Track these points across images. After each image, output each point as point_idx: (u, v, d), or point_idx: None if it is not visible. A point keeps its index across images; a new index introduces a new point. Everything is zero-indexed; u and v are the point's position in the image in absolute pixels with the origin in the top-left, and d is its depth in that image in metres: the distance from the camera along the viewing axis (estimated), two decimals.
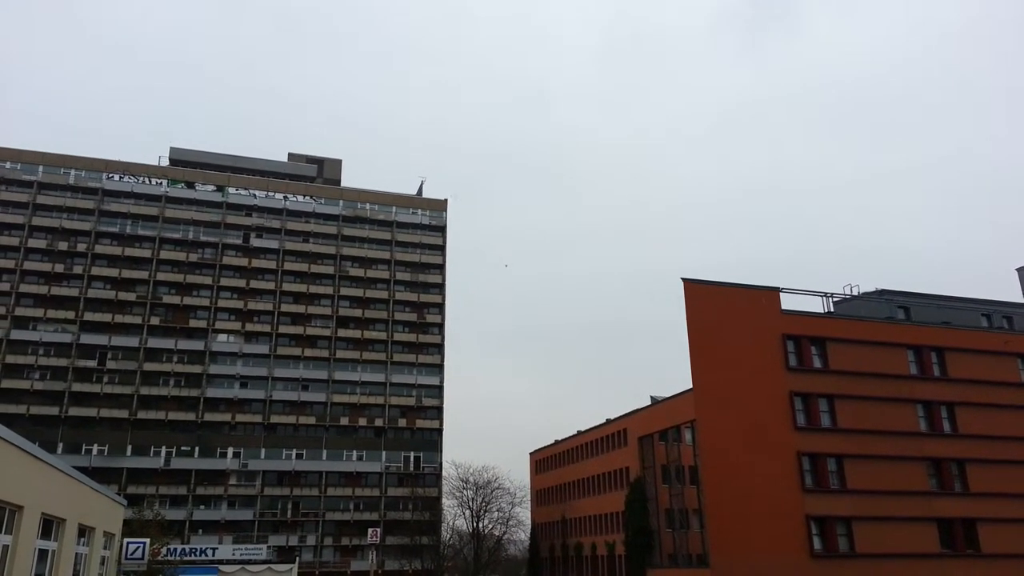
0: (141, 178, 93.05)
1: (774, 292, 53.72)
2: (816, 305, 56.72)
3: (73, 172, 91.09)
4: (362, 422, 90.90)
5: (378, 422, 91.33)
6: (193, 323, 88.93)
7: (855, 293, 60.45)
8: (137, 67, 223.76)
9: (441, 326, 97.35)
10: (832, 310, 57.24)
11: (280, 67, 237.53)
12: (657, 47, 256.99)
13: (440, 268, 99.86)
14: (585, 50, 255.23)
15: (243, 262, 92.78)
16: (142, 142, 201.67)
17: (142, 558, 30.60)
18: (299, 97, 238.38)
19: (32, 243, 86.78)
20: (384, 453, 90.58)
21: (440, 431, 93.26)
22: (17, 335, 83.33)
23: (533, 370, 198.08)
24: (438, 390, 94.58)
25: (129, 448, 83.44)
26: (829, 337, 53.69)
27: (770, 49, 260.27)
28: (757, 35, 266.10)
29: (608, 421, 76.84)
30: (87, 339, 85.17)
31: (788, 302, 54.28)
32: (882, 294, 61.48)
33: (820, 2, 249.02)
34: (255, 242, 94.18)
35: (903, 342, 55.40)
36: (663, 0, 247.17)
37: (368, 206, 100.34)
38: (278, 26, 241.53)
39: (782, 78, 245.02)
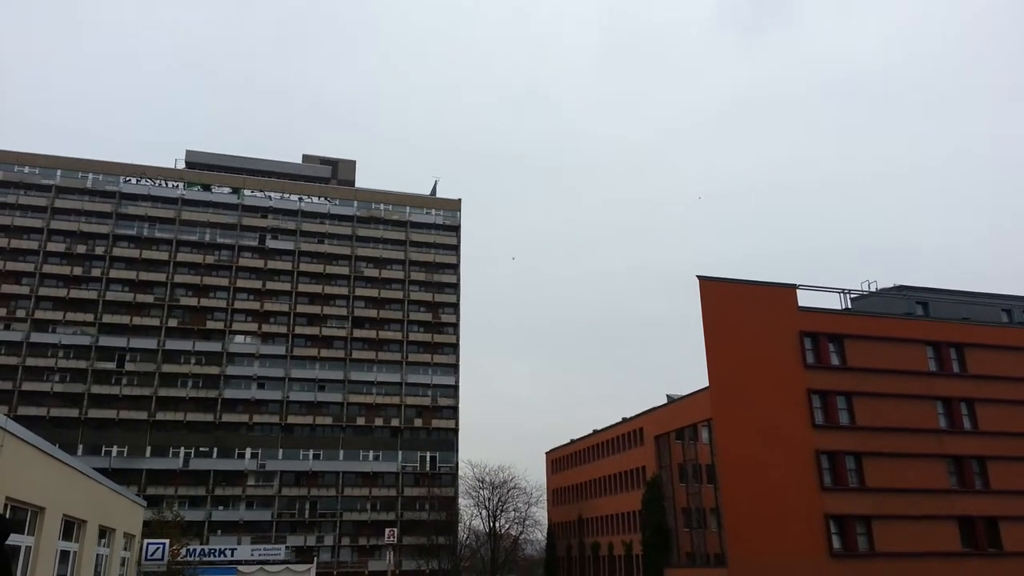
0: (158, 181, 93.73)
1: (791, 289, 53.35)
2: (833, 302, 56.28)
3: (91, 176, 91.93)
4: (378, 422, 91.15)
5: (394, 422, 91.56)
6: (210, 325, 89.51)
7: (873, 289, 59.95)
8: (152, 72, 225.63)
9: (456, 326, 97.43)
10: (850, 307, 56.77)
11: (292, 71, 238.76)
12: (657, 45, 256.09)
13: (454, 268, 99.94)
14: (586, 49, 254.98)
15: (259, 263, 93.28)
16: (158, 145, 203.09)
17: (162, 559, 30.89)
18: (312, 100, 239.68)
19: (51, 247, 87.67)
20: (400, 453, 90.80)
21: (456, 431, 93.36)
22: (37, 338, 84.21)
23: (548, 368, 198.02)
24: (453, 390, 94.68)
25: (148, 449, 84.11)
26: (847, 334, 53.23)
27: (770, 47, 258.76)
28: (757, 33, 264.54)
29: (624, 420, 76.63)
30: (106, 341, 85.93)
31: (805, 299, 53.90)
32: (900, 290, 60.91)
33: (819, 0, 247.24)
34: (271, 244, 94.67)
35: (922, 338, 54.82)
36: None
37: (382, 207, 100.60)
38: (288, 30, 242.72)
39: (782, 76, 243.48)
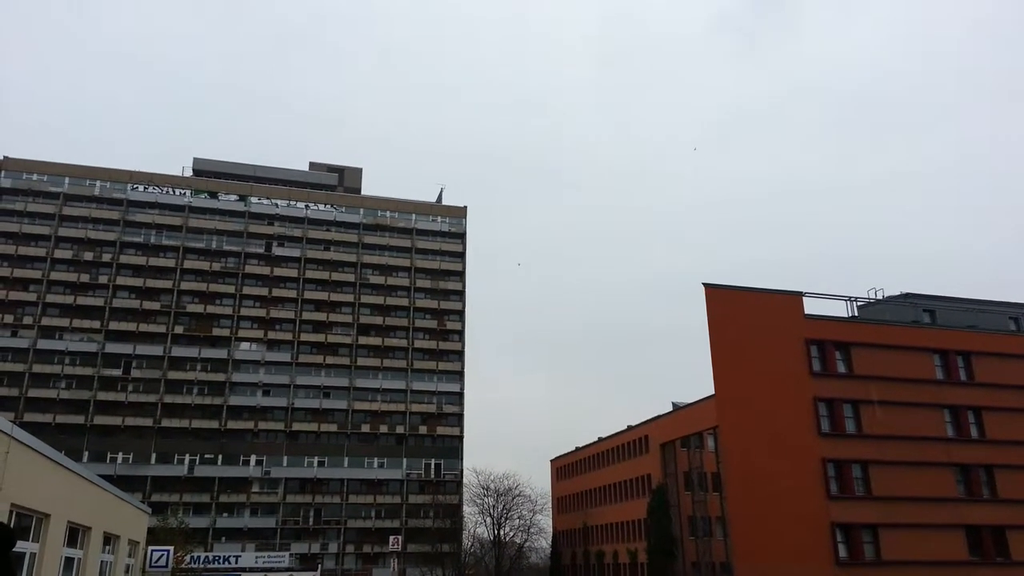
0: (165, 189, 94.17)
1: (797, 296, 53.22)
2: (839, 309, 56.08)
3: (98, 183, 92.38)
4: (383, 429, 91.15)
5: (399, 429, 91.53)
6: (216, 331, 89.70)
7: (879, 297, 59.78)
8: (159, 80, 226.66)
9: (461, 333, 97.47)
10: (856, 314, 56.61)
11: (298, 79, 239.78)
12: (657, 51, 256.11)
13: (460, 275, 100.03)
14: (586, 54, 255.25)
15: (265, 271, 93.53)
16: (165, 153, 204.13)
17: (166, 566, 30.85)
18: (318, 108, 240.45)
19: (58, 254, 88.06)
20: (405, 460, 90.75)
21: (461, 438, 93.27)
22: (44, 345, 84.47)
23: (553, 375, 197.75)
24: (458, 397, 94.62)
25: (153, 456, 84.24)
26: (853, 342, 53.04)
27: (770, 52, 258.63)
28: (756, 38, 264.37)
29: (629, 428, 76.53)
30: (112, 348, 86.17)
31: (811, 307, 53.77)
32: (907, 298, 60.70)
33: (819, 4, 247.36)
34: (277, 251, 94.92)
35: (929, 346, 54.60)
36: (662, 3, 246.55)
37: (388, 214, 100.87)
38: (293, 38, 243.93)
39: (783, 81, 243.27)
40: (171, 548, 33.06)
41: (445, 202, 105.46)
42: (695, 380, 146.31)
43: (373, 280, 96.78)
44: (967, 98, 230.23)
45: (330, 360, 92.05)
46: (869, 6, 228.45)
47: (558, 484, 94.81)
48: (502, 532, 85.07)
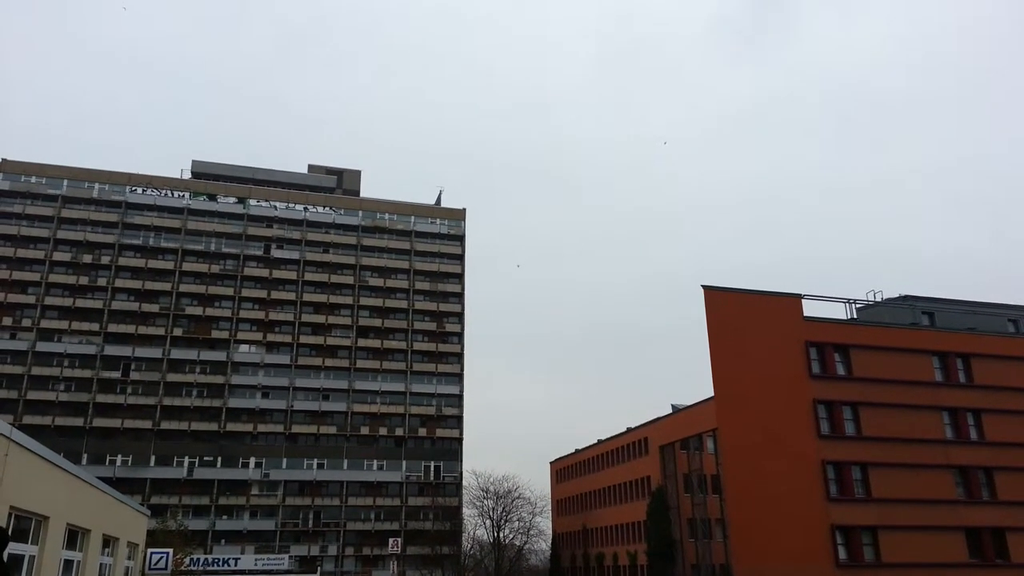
0: (164, 191, 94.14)
1: (796, 299, 53.23)
2: (838, 312, 56.10)
3: (97, 186, 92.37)
4: (382, 432, 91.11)
5: (398, 432, 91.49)
6: (215, 334, 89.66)
7: (878, 299, 59.81)
8: (159, 83, 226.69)
9: (460, 335, 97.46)
10: (855, 316, 56.64)
11: (297, 82, 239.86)
12: (656, 53, 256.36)
13: (459, 277, 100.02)
14: (586, 54, 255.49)
15: (264, 273, 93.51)
16: (164, 156, 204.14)
17: (165, 568, 30.84)
18: (317, 111, 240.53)
19: (57, 256, 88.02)
20: (404, 463, 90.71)
21: (460, 440, 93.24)
22: (42, 347, 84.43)
23: (552, 377, 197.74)
24: (458, 399, 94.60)
25: (152, 458, 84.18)
26: (853, 344, 53.06)
27: (769, 54, 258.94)
28: (755, 40, 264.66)
29: (629, 430, 76.54)
30: (111, 351, 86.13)
31: (810, 309, 53.76)
32: (906, 300, 60.73)
33: (819, 4, 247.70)
34: (276, 253, 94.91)
35: (928, 348, 54.61)
36: (661, 4, 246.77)
37: (387, 216, 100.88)
38: (292, 42, 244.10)
39: (781, 83, 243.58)
40: (170, 550, 33.08)
41: (444, 204, 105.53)
42: (694, 382, 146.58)
43: (372, 282, 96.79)
44: (967, 98, 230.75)
45: (329, 362, 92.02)
46: (869, 6, 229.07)
47: (558, 486, 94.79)
48: (502, 534, 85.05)
